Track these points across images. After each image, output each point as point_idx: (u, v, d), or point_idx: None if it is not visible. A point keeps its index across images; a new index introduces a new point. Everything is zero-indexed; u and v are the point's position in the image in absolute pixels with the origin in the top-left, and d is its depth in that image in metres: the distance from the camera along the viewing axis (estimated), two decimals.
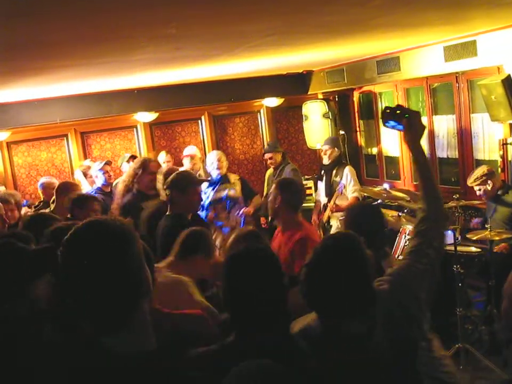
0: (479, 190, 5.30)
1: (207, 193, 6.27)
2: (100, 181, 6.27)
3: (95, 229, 1.53)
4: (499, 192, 5.26)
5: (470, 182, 5.35)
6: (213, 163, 6.38)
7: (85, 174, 6.76)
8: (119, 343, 1.47)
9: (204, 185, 6.01)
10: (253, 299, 2.00)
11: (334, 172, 6.53)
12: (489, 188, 5.23)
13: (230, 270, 2.10)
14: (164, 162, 7.23)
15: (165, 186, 4.19)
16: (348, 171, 6.46)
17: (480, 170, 5.32)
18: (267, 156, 7.07)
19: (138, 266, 1.52)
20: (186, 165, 6.87)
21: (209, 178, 6.28)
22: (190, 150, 7.15)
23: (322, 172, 6.78)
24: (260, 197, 6.78)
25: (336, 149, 6.63)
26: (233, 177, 6.58)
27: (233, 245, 3.25)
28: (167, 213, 4.10)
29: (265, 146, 7.39)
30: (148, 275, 1.55)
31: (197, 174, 6.77)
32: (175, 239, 3.33)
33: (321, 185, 6.74)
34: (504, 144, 5.62)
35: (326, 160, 6.63)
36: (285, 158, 7.11)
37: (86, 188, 6.52)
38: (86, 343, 1.51)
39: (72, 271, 1.48)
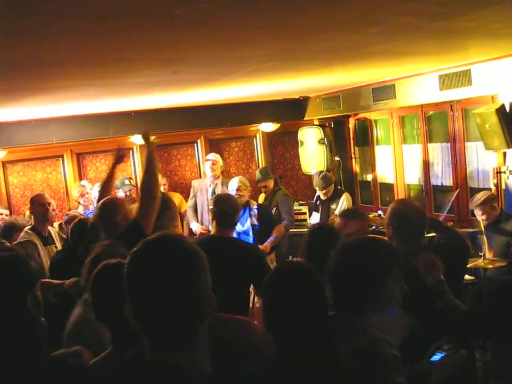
0: (482, 214, 5.22)
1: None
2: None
3: (169, 244, 1.45)
4: (497, 219, 5.23)
5: (475, 204, 5.19)
6: (233, 191, 6.11)
7: (82, 195, 6.74)
8: (174, 366, 1.40)
9: None
10: (295, 318, 1.91)
11: (331, 201, 6.60)
12: (492, 212, 5.17)
13: (269, 288, 2.02)
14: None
15: None
16: (344, 198, 6.51)
17: (485, 194, 5.26)
18: (260, 184, 7.02)
19: (205, 288, 1.45)
20: (207, 169, 6.92)
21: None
22: (213, 155, 7.17)
23: (318, 202, 6.80)
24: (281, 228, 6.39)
25: (332, 185, 6.68)
26: (254, 203, 6.41)
27: None
28: None
29: (257, 174, 7.18)
30: (213, 299, 1.48)
31: (215, 183, 6.84)
32: None
33: (316, 215, 6.74)
34: (498, 172, 5.64)
35: (323, 197, 6.65)
36: (277, 183, 7.14)
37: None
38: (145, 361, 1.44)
39: (140, 286, 1.41)
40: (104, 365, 2.10)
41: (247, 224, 5.99)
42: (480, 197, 5.20)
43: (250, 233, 5.97)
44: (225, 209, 4.02)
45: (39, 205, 5.25)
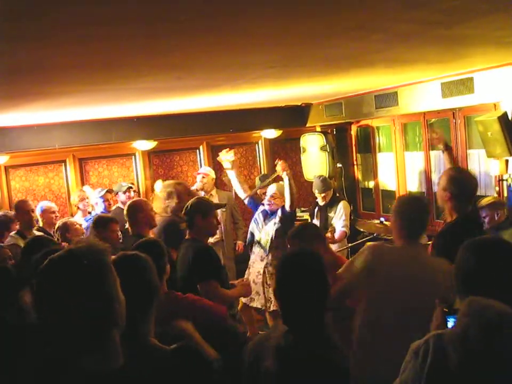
0: (484, 216, 5.21)
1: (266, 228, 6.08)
2: (99, 208, 6.27)
3: (70, 259, 1.57)
4: (498, 226, 5.21)
5: (480, 205, 5.15)
6: (268, 196, 6.13)
7: (81, 199, 6.74)
8: (86, 364, 1.53)
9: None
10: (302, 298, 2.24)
11: (329, 208, 6.58)
12: (495, 217, 5.16)
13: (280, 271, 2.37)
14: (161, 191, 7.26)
15: (184, 212, 4.24)
16: (341, 206, 6.49)
17: (494, 198, 5.25)
18: (261, 191, 7.03)
19: (109, 298, 1.58)
20: (197, 182, 6.93)
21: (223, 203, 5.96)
22: (205, 169, 7.25)
23: (316, 209, 6.80)
24: None
25: (331, 191, 6.68)
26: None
27: None
28: (187, 237, 4.18)
29: (257, 181, 7.25)
30: (119, 308, 1.61)
31: (210, 194, 6.88)
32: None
33: (315, 222, 6.74)
34: (500, 180, 5.64)
35: (321, 202, 6.65)
36: None
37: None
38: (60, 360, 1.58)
39: (47, 297, 1.54)
40: None
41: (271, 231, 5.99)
42: (488, 199, 5.25)
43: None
44: None
45: (24, 212, 5.39)
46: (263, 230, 6.01)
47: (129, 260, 2.30)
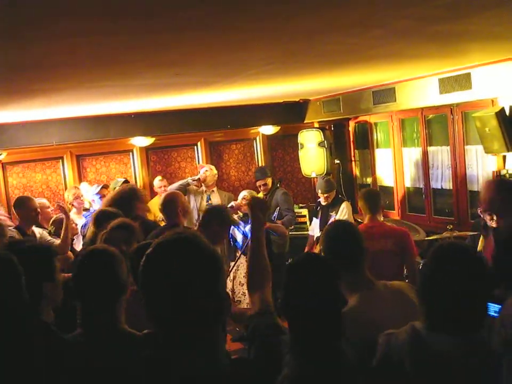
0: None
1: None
2: (96, 205, 6.25)
3: (192, 245, 1.47)
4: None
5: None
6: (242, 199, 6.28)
7: (76, 197, 6.71)
8: (193, 361, 1.45)
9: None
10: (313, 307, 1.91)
11: (331, 208, 6.60)
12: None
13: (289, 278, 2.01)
14: (159, 187, 7.26)
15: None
16: (344, 206, 6.50)
17: None
18: (259, 183, 7.16)
19: (223, 289, 1.50)
20: (200, 173, 7.07)
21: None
22: (208, 166, 7.36)
23: (318, 208, 6.81)
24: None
25: (334, 192, 6.69)
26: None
27: None
28: None
29: (256, 173, 7.44)
30: (228, 301, 1.52)
31: (211, 190, 7.07)
32: None
33: (316, 221, 6.74)
34: (498, 176, 5.65)
35: (323, 202, 6.65)
36: (274, 182, 7.22)
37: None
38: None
39: (158, 283, 1.43)
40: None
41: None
42: None
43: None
44: None
45: (30, 210, 5.29)
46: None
47: (98, 254, 2.47)
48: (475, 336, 1.98)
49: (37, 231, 5.37)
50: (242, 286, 5.83)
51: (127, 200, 4.80)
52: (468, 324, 1.98)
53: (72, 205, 6.79)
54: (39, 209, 5.35)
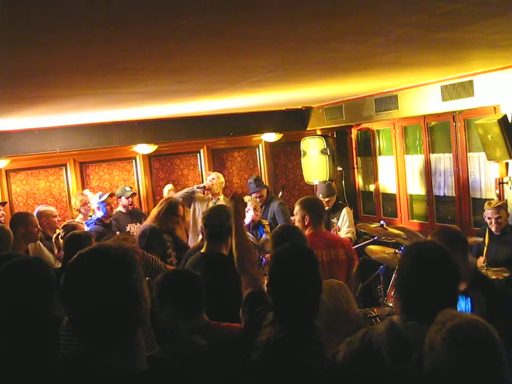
0: (493, 218, 5.22)
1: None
2: (100, 212, 6.25)
3: (99, 254, 1.57)
4: (503, 231, 5.22)
5: (491, 205, 5.24)
6: (249, 210, 6.20)
7: (84, 204, 6.73)
8: (110, 363, 1.52)
9: None
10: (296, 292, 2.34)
11: (331, 214, 6.59)
12: (498, 220, 5.18)
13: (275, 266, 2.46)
14: (169, 190, 7.29)
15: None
16: (345, 212, 6.50)
17: (497, 202, 5.31)
18: (255, 195, 7.02)
19: (136, 294, 1.57)
20: (206, 181, 7.04)
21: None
22: (216, 173, 7.31)
23: None
24: None
25: (335, 197, 6.68)
26: (265, 223, 6.44)
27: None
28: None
29: (250, 184, 7.19)
30: (145, 304, 1.60)
31: (217, 198, 6.99)
32: None
33: None
34: (500, 183, 5.65)
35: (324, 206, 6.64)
36: (269, 192, 7.21)
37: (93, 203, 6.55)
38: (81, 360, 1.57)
39: (73, 293, 1.53)
40: None
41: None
42: (496, 201, 5.34)
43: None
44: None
45: (33, 226, 5.10)
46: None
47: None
48: None
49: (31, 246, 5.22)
50: None
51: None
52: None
53: (79, 211, 6.81)
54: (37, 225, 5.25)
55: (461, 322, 1.69)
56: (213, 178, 7.02)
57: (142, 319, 1.58)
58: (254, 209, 6.20)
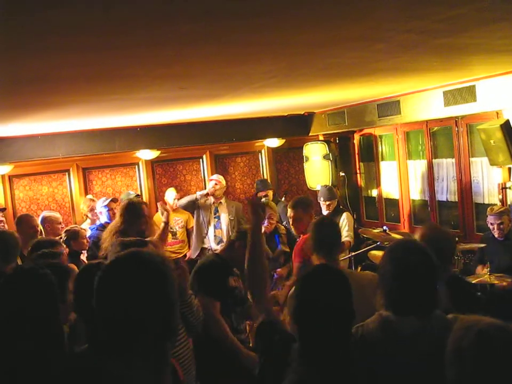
0: (491, 224, 5.22)
1: None
2: (103, 217, 6.25)
3: (137, 259, 1.52)
4: (506, 236, 5.21)
5: (493, 211, 5.24)
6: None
7: (91, 209, 6.73)
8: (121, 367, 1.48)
9: None
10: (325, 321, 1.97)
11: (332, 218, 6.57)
12: (500, 226, 5.17)
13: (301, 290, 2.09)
14: (174, 199, 7.25)
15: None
16: (345, 217, 6.48)
17: (500, 207, 5.30)
18: (261, 194, 7.06)
19: (170, 303, 1.52)
20: (209, 187, 7.04)
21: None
22: (218, 176, 7.28)
23: None
24: None
25: (336, 201, 6.69)
26: (283, 229, 6.38)
27: None
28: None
29: (257, 185, 7.43)
30: (175, 318, 1.54)
31: (219, 202, 6.98)
32: None
33: None
34: (503, 188, 5.64)
35: (324, 210, 6.64)
36: (275, 195, 7.22)
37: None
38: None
39: (106, 295, 1.49)
40: None
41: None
42: (498, 206, 5.33)
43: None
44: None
45: (29, 227, 5.23)
46: None
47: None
48: (434, 314, 2.23)
49: None
50: None
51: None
52: (426, 304, 2.23)
53: (87, 216, 6.82)
54: (36, 226, 5.28)
55: (488, 326, 1.66)
56: (216, 184, 7.02)
57: (175, 332, 1.55)
58: (269, 217, 6.02)
